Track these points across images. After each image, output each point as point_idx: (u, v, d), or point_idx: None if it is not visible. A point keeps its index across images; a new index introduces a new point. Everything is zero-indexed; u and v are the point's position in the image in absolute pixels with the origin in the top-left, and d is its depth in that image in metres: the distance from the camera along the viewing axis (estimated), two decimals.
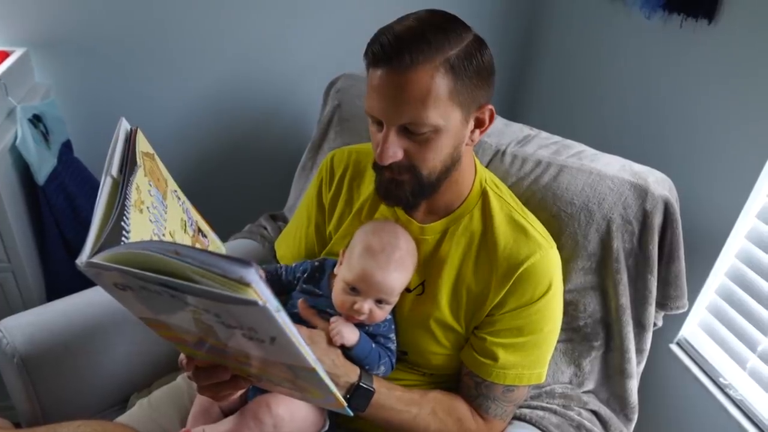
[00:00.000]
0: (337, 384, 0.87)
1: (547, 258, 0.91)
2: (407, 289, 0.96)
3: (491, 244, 0.92)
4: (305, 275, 0.99)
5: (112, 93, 1.52)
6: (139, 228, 0.67)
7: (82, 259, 0.56)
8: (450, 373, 0.99)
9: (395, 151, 0.82)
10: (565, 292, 1.01)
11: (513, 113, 1.68)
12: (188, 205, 0.86)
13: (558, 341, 1.00)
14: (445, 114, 0.80)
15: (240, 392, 0.77)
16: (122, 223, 0.63)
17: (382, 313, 0.90)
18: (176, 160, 1.60)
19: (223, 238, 1.44)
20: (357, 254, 0.90)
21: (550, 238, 0.95)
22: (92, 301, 1.07)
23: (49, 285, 1.40)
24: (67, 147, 1.46)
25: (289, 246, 1.16)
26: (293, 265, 1.02)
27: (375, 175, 0.90)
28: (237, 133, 1.66)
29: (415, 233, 0.96)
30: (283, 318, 0.53)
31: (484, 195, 0.96)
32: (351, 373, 0.88)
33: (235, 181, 1.70)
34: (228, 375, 0.73)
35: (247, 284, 0.49)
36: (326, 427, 0.94)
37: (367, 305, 0.88)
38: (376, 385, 0.90)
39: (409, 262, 0.91)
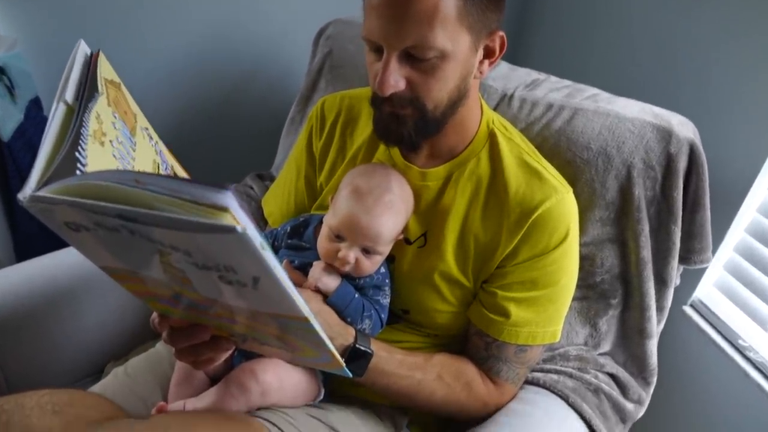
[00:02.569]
0: None
1: (563, 202, 0.82)
2: (407, 241, 0.87)
3: (501, 188, 0.83)
4: (289, 231, 0.90)
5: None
6: (100, 163, 0.57)
7: (25, 192, 0.45)
8: (456, 333, 0.90)
9: (397, 80, 0.72)
10: (580, 245, 0.92)
11: (515, 58, 1.56)
12: (162, 147, 0.76)
13: (572, 299, 0.91)
14: (453, 37, 0.70)
15: (223, 356, 0.68)
16: (77, 154, 0.53)
17: (371, 264, 0.81)
18: (156, 117, 1.48)
19: None
20: (343, 197, 0.81)
21: (566, 182, 0.86)
22: (63, 263, 0.97)
23: (18, 247, 1.30)
24: (35, 104, 1.35)
25: (278, 202, 1.07)
26: (279, 228, 0.93)
27: (373, 112, 0.80)
28: (221, 89, 1.56)
29: (415, 180, 0.86)
30: (268, 255, 0.44)
31: (491, 137, 0.87)
32: (346, 334, 0.80)
33: (219, 140, 1.60)
34: (207, 335, 0.64)
35: (223, 209, 0.40)
36: (321, 397, 0.85)
37: (352, 253, 0.79)
38: (375, 348, 0.81)
39: (401, 207, 0.81)
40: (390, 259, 0.88)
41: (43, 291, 0.92)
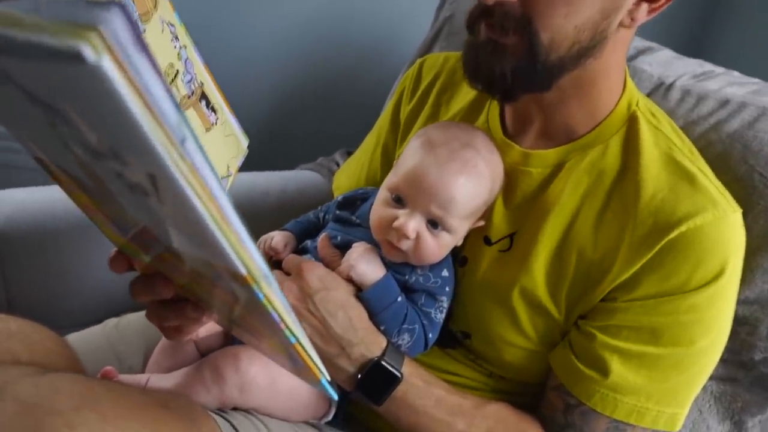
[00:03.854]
0: (346, 355, 0.58)
1: (725, 224, 0.55)
2: (486, 240, 0.64)
3: (631, 189, 0.58)
4: (341, 201, 0.71)
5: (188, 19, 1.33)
6: None
7: None
8: (530, 380, 0.65)
9: None
10: (738, 300, 0.62)
11: (689, 51, 1.24)
12: (195, 58, 0.62)
13: (710, 377, 0.62)
14: None
15: (192, 328, 0.51)
16: None
17: (436, 246, 0.59)
18: (263, 86, 1.40)
19: (292, 167, 1.25)
20: (409, 150, 0.61)
21: (734, 201, 0.58)
22: None
23: None
24: None
25: (349, 175, 0.89)
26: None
27: (465, 45, 0.59)
28: (332, 70, 1.44)
29: (513, 162, 0.64)
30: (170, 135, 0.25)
31: (631, 122, 0.61)
32: (371, 343, 0.59)
33: (321, 114, 1.48)
34: (169, 291, 0.46)
35: (88, 27, 0.22)
36: (329, 417, 0.64)
37: (413, 222, 0.57)
38: (407, 372, 0.59)
39: (485, 172, 0.59)
40: (461, 262, 0.66)
41: (66, 218, 0.81)
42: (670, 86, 0.77)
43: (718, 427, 0.69)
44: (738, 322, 0.64)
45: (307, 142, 1.44)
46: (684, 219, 0.54)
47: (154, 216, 0.33)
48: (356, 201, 0.70)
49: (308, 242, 0.69)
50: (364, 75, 1.46)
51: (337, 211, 0.70)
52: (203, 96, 0.62)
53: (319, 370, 0.39)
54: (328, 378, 0.41)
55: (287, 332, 0.35)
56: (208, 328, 0.61)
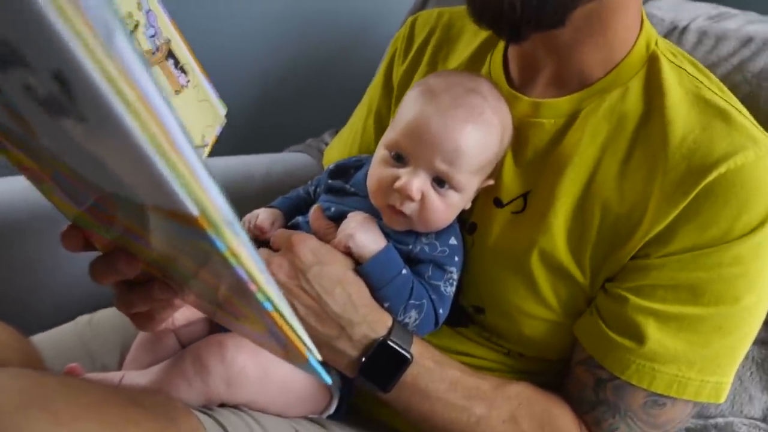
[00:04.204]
0: (346, 336, 0.51)
1: (767, 163, 0.48)
2: (497, 202, 0.57)
3: (658, 133, 0.51)
4: (333, 169, 0.64)
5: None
6: None
7: None
8: (553, 357, 0.58)
9: None
10: None
11: None
12: (158, 10, 0.54)
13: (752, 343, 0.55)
14: None
15: (164, 314, 0.45)
16: None
17: (444, 206, 0.53)
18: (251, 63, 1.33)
19: (280, 150, 1.17)
20: (408, 100, 0.55)
21: None
22: None
23: None
24: None
25: (341, 148, 0.82)
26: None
27: None
28: (321, 52, 1.38)
29: (523, 114, 0.57)
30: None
31: (652, 62, 0.55)
32: (375, 322, 0.52)
33: (310, 97, 1.42)
34: (132, 269, 0.39)
35: None
36: (331, 410, 0.57)
37: (417, 181, 0.51)
38: (417, 353, 0.52)
39: (493, 121, 0.53)
40: (470, 229, 0.59)
41: (31, 209, 0.74)
42: (685, 29, 0.71)
43: (761, 397, 0.62)
44: None
45: (295, 126, 1.37)
46: (722, 159, 0.48)
47: (83, 154, 0.26)
48: (350, 169, 0.64)
49: (299, 218, 0.62)
50: (352, 57, 1.40)
51: (329, 181, 0.63)
52: (171, 55, 0.55)
53: (305, 345, 0.32)
54: (318, 357, 0.34)
55: (259, 295, 0.28)
56: (188, 316, 0.54)
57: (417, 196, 0.51)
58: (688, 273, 0.49)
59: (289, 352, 0.34)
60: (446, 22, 0.72)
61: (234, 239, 0.25)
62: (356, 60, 1.39)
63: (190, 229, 0.25)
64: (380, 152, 0.54)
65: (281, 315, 0.29)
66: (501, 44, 0.64)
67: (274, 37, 1.35)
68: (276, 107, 1.39)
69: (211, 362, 0.49)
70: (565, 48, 0.55)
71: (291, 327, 0.30)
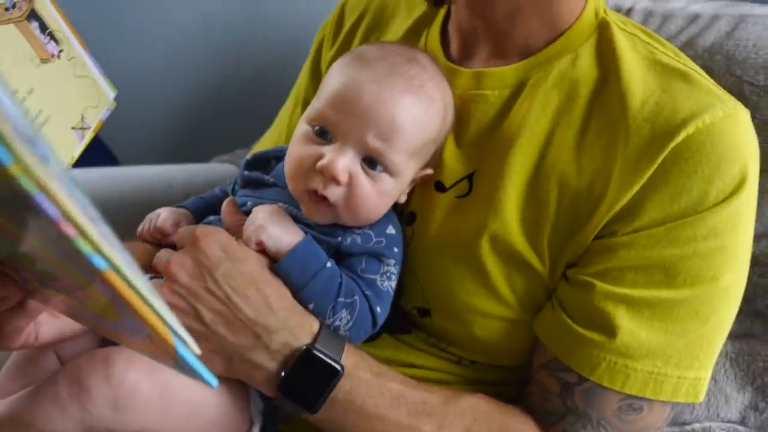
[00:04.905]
0: (263, 346, 0.43)
1: (737, 121, 0.44)
2: (439, 186, 0.50)
3: (615, 98, 0.46)
4: (250, 160, 0.55)
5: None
6: None
7: None
8: (511, 363, 0.51)
9: None
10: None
11: None
12: None
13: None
14: None
15: (19, 322, 0.34)
16: None
17: (374, 192, 0.45)
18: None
19: (206, 160, 1.09)
20: (335, 70, 0.48)
21: (737, 100, 0.46)
22: None
23: None
24: None
25: (265, 146, 0.73)
26: None
27: None
28: (252, 63, 1.33)
29: (463, 88, 0.51)
30: None
31: (602, 28, 0.50)
32: (297, 327, 0.44)
33: (239, 108, 1.35)
34: None
35: None
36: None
37: (344, 160, 0.43)
38: (350, 362, 0.44)
39: (436, 95, 0.47)
40: (408, 219, 0.51)
41: None
42: (629, 10, 0.67)
43: (737, 397, 0.56)
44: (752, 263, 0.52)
45: (226, 136, 1.31)
46: (689, 119, 0.42)
47: None
48: (270, 160, 0.55)
49: (211, 218, 0.53)
50: (285, 66, 1.34)
51: (246, 173, 0.54)
52: (35, 17, 0.46)
53: (170, 328, 0.23)
54: (196, 350, 0.24)
55: (81, 244, 0.19)
56: (59, 329, 0.42)
57: (344, 177, 0.43)
58: (661, 250, 0.43)
59: (157, 344, 0.24)
60: (379, 4, 0.66)
61: (29, 157, 0.17)
62: (289, 69, 1.33)
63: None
64: (301, 128, 0.47)
65: (124, 278, 0.20)
66: (438, 20, 0.58)
67: (205, 44, 1.31)
68: (206, 117, 1.32)
69: (93, 381, 0.39)
70: (505, 21, 0.49)
71: (142, 298, 0.21)
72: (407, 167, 0.46)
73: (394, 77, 0.45)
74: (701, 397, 0.46)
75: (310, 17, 1.32)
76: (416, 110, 0.45)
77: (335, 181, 0.43)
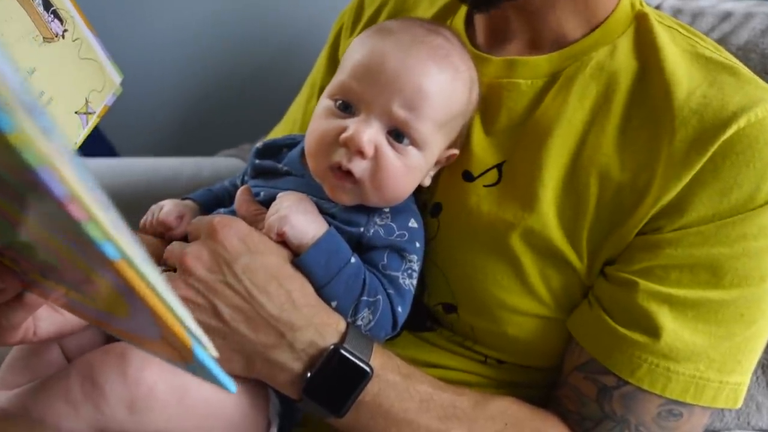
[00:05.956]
0: (287, 345, 0.40)
1: None
2: (467, 176, 0.48)
3: (659, 88, 0.44)
4: (261, 149, 0.53)
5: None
6: None
7: None
8: (539, 363, 0.49)
9: None
10: None
11: None
12: None
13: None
14: None
15: (16, 317, 0.32)
16: None
17: (401, 166, 0.43)
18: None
19: (212, 153, 1.05)
20: (357, 43, 0.46)
21: None
22: None
23: None
24: None
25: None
26: None
27: None
28: (257, 58, 1.32)
29: (494, 75, 0.49)
30: None
31: (640, 20, 0.48)
32: (323, 326, 0.41)
33: (245, 103, 1.34)
34: None
35: None
36: None
37: (369, 131, 0.41)
38: (378, 363, 0.41)
39: (461, 67, 0.45)
40: (433, 211, 0.49)
41: None
42: (657, 8, 0.66)
43: None
44: None
45: (231, 130, 1.29)
46: (740, 112, 0.41)
47: None
48: (281, 148, 0.53)
49: (221, 210, 0.50)
50: (291, 61, 1.33)
51: (257, 161, 0.51)
52: None
53: (185, 328, 0.20)
54: (214, 352, 0.22)
55: (90, 228, 0.16)
56: (59, 324, 0.39)
57: (369, 149, 0.41)
58: (709, 248, 0.41)
59: (172, 345, 0.22)
60: None
61: (32, 128, 0.14)
62: (296, 63, 1.32)
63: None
64: (324, 103, 0.45)
65: (137, 271, 0.17)
66: (462, 10, 0.56)
67: (212, 38, 1.29)
68: (212, 111, 1.30)
69: (108, 379, 0.36)
70: (539, 13, 0.48)
71: (157, 294, 0.18)
72: (434, 140, 0.44)
73: (419, 46, 0.43)
74: (740, 402, 0.44)
75: (318, 12, 1.31)
76: (443, 79, 0.43)
77: (360, 153, 0.41)
